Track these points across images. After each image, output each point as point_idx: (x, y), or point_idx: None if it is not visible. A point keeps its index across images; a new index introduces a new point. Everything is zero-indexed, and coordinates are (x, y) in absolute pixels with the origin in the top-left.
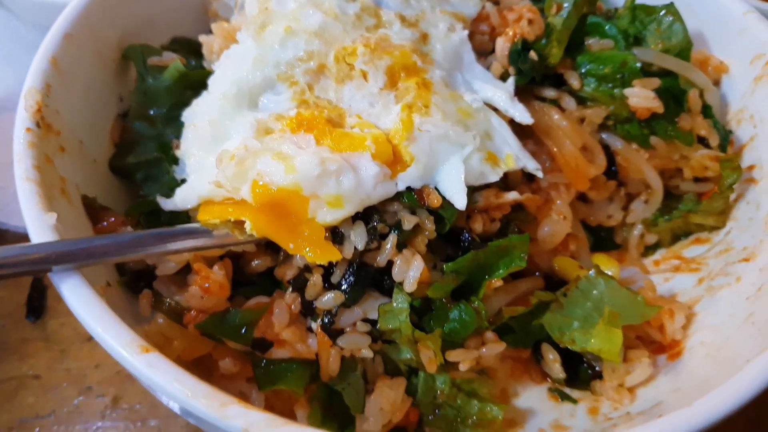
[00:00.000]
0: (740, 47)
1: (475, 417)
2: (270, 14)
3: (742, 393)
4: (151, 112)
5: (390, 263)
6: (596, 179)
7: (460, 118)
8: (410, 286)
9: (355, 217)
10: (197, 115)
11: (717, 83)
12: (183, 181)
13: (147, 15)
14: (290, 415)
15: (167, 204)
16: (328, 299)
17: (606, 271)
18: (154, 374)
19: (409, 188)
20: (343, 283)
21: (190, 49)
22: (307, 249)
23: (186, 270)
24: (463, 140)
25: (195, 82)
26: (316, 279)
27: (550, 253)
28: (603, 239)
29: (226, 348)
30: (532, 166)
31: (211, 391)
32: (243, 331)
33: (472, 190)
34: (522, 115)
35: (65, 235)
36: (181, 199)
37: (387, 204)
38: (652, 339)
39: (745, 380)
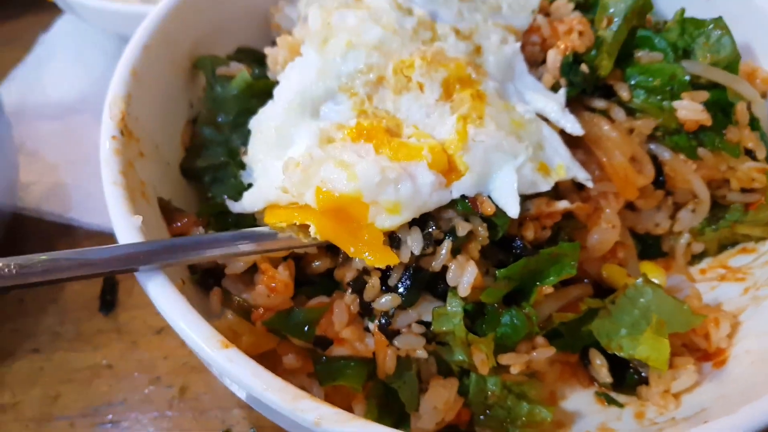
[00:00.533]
0: None
1: (524, 418)
2: (332, 29)
3: None
4: (219, 119)
5: (444, 268)
6: (644, 188)
7: (513, 128)
8: (464, 290)
9: (412, 223)
10: (263, 123)
11: (765, 95)
12: (249, 185)
13: (215, 25)
14: (348, 410)
15: (235, 206)
16: (386, 301)
17: (653, 280)
18: (233, 368)
19: (463, 196)
20: (400, 286)
21: (254, 58)
22: (367, 253)
23: (252, 270)
24: (515, 150)
25: (260, 91)
26: (374, 281)
27: (599, 260)
28: (650, 247)
29: (290, 344)
30: (582, 175)
31: (285, 385)
32: (306, 328)
33: (524, 199)
34: (573, 125)
35: (147, 236)
36: (249, 202)
37: (442, 211)
38: (698, 347)
39: None
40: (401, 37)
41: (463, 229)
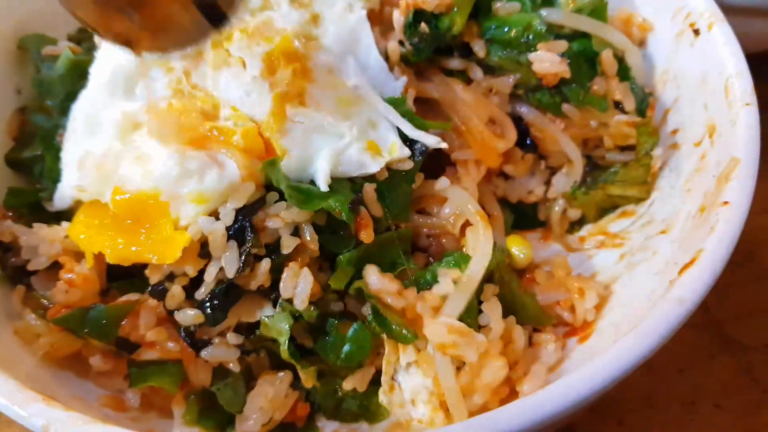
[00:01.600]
0: (663, 2)
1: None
2: None
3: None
4: (48, 103)
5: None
6: (511, 153)
7: (339, 107)
8: (301, 303)
9: (230, 236)
10: (76, 108)
11: (642, 43)
12: None
13: (48, 4)
14: (169, 412)
15: (49, 204)
16: (186, 317)
17: (519, 254)
18: None
19: None
20: (207, 303)
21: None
22: (151, 254)
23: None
24: (339, 131)
25: (88, 71)
26: (175, 290)
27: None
28: (527, 217)
29: (96, 346)
30: (431, 141)
31: (18, 388)
32: (107, 329)
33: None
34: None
35: None
36: (58, 198)
37: (267, 218)
38: (565, 321)
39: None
40: None
41: (288, 246)
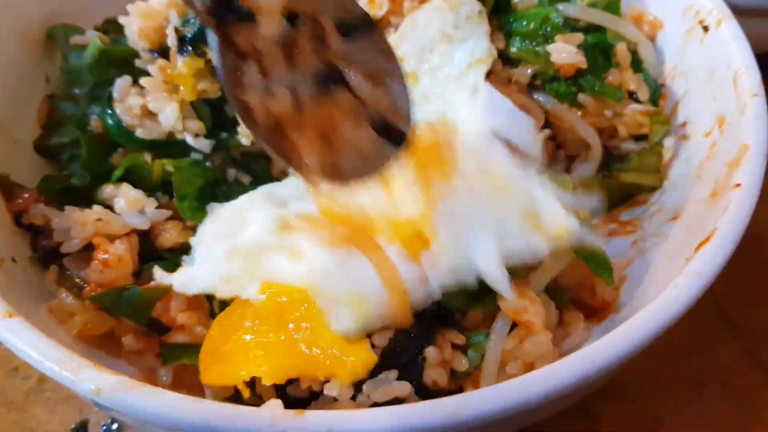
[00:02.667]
0: (673, 0)
1: None
2: None
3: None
4: (76, 92)
5: None
6: None
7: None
8: None
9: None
10: (221, 208)
11: (653, 40)
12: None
13: None
14: (200, 389)
15: (163, 277)
16: None
17: None
18: (13, 339)
19: None
20: None
21: (122, 29)
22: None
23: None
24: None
25: (117, 59)
26: None
27: None
28: None
29: (129, 325)
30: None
31: (67, 356)
32: (140, 310)
33: None
34: None
35: None
36: (181, 283)
37: None
38: (585, 302)
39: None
40: None
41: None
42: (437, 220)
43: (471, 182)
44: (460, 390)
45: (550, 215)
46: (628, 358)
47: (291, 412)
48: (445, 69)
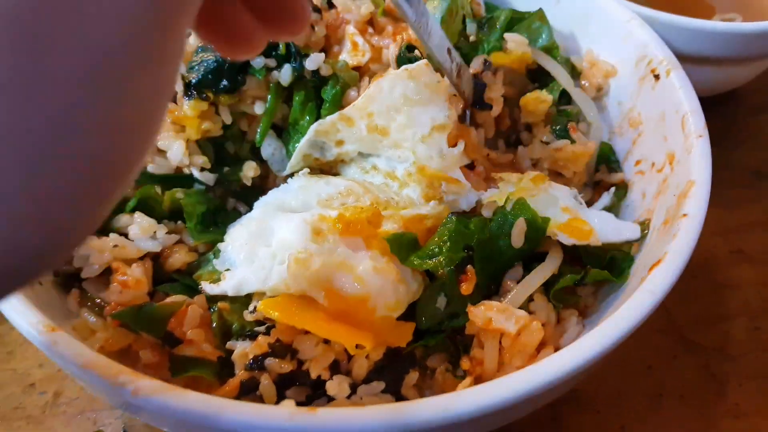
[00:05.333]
0: (627, 51)
1: None
2: None
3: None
4: None
5: None
6: None
7: None
8: None
9: None
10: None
11: (608, 86)
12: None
13: None
14: None
15: (214, 289)
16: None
17: None
18: (57, 348)
19: None
20: None
21: None
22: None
23: (110, 272)
24: None
25: None
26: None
27: None
28: None
29: (145, 340)
30: None
31: (107, 362)
32: (156, 324)
33: None
34: None
35: None
36: (232, 286)
37: None
38: None
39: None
40: None
41: None
42: None
43: None
44: None
45: None
46: (584, 372)
47: (304, 408)
48: (412, 128)
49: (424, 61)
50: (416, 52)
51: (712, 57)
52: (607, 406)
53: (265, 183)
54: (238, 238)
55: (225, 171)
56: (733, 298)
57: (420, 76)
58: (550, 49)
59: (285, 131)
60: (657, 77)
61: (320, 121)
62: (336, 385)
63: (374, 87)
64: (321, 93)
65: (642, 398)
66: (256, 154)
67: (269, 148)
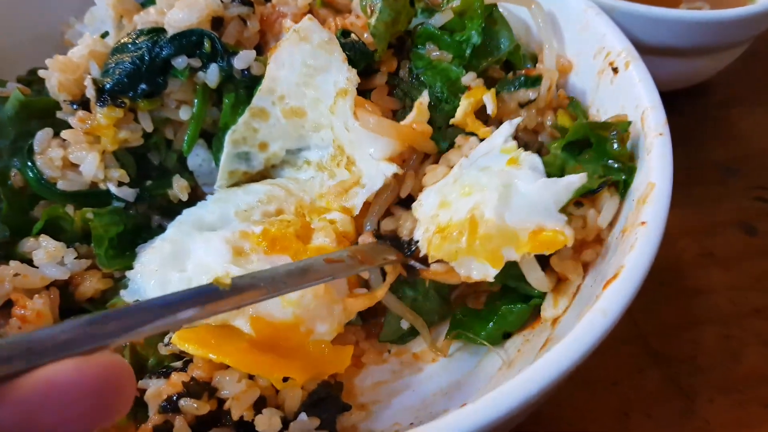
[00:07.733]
0: (585, 43)
1: None
2: None
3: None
4: None
5: None
6: None
7: None
8: None
9: None
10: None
11: (566, 81)
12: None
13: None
14: None
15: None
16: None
17: None
18: None
19: None
20: None
21: None
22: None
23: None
24: None
25: (39, 111)
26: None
27: None
28: None
29: None
30: None
31: None
32: None
33: None
34: None
35: None
36: None
37: None
38: None
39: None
40: None
41: None
42: None
43: None
44: None
45: None
46: (529, 405)
47: None
48: (323, 102)
49: (309, 16)
50: (352, 36)
51: (676, 48)
52: (573, 426)
53: (195, 196)
54: (148, 263)
55: (148, 185)
56: (703, 304)
57: (310, 34)
58: (512, 51)
59: (215, 137)
60: (615, 70)
61: (232, 128)
62: (266, 420)
63: (273, 63)
64: (253, 93)
65: (607, 418)
66: (185, 165)
67: (197, 158)
